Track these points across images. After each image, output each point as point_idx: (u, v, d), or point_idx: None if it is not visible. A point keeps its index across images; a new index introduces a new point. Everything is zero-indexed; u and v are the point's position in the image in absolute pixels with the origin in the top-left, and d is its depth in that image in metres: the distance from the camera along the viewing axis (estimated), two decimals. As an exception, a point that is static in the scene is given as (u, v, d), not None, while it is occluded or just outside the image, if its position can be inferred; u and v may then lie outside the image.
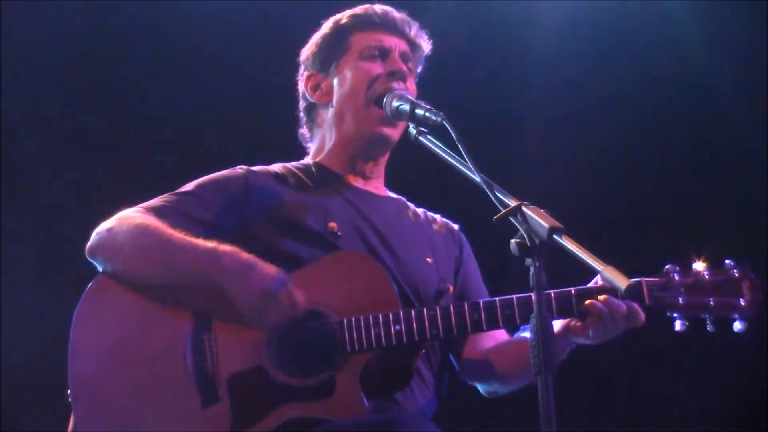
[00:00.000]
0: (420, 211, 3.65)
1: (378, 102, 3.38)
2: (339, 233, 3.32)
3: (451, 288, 3.48)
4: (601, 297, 3.08)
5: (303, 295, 3.10)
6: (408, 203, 3.65)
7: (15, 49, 5.42)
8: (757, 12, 5.41)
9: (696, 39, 5.54)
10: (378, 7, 3.56)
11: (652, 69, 5.64)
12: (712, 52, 5.53)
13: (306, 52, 3.63)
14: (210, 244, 3.15)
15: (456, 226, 3.68)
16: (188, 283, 3.14)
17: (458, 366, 3.51)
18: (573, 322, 3.14)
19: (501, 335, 3.49)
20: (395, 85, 3.40)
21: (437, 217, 3.67)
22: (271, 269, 3.09)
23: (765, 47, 5.42)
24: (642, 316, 3.10)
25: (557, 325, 3.17)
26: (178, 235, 3.18)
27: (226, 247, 3.14)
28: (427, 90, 3.52)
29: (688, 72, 5.58)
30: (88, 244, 3.28)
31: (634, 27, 5.63)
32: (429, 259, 3.43)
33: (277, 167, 3.53)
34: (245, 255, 3.12)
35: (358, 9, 3.57)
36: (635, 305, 3.08)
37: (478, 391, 3.55)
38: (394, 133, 3.45)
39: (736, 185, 5.55)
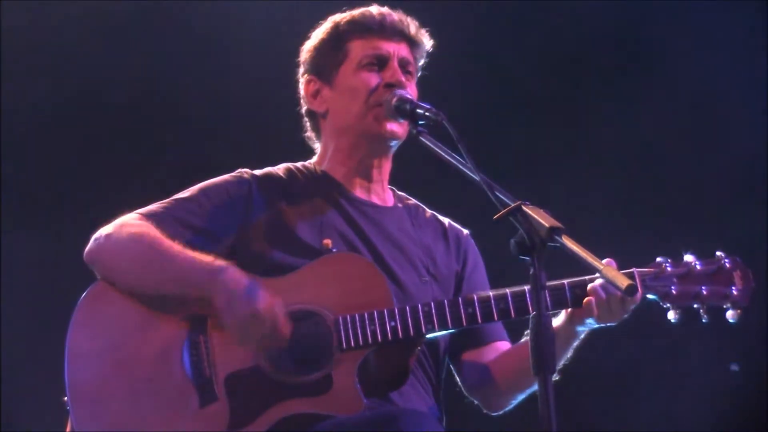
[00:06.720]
0: (428, 215, 3.57)
1: (378, 105, 3.34)
2: (333, 250, 3.30)
3: None
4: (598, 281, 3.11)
5: (288, 327, 3.10)
6: (415, 208, 3.56)
7: (16, 47, 5.42)
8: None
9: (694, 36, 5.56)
10: (376, 10, 3.48)
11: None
12: (710, 48, 5.54)
13: (305, 53, 3.56)
14: (206, 258, 3.17)
15: (465, 232, 3.60)
16: (181, 294, 3.17)
17: (461, 381, 3.49)
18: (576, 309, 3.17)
19: (503, 346, 3.47)
20: (396, 92, 3.33)
21: (446, 222, 3.58)
22: (262, 296, 3.10)
23: (764, 44, 5.44)
24: (639, 291, 3.10)
25: (560, 318, 3.21)
26: (175, 246, 3.20)
27: (221, 263, 3.15)
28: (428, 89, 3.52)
29: (686, 70, 5.59)
30: (87, 249, 3.29)
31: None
32: (425, 278, 3.39)
33: (281, 170, 3.50)
34: (238, 274, 3.13)
35: (357, 13, 3.48)
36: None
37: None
38: (400, 129, 3.36)
39: (734, 184, 5.56)
